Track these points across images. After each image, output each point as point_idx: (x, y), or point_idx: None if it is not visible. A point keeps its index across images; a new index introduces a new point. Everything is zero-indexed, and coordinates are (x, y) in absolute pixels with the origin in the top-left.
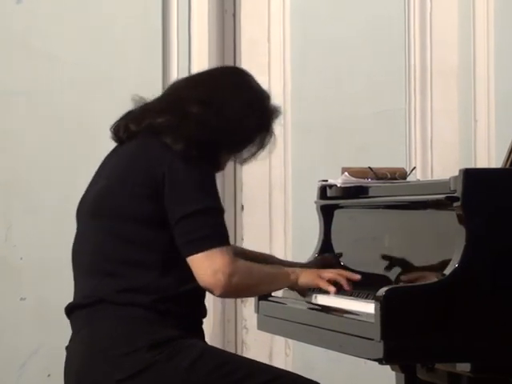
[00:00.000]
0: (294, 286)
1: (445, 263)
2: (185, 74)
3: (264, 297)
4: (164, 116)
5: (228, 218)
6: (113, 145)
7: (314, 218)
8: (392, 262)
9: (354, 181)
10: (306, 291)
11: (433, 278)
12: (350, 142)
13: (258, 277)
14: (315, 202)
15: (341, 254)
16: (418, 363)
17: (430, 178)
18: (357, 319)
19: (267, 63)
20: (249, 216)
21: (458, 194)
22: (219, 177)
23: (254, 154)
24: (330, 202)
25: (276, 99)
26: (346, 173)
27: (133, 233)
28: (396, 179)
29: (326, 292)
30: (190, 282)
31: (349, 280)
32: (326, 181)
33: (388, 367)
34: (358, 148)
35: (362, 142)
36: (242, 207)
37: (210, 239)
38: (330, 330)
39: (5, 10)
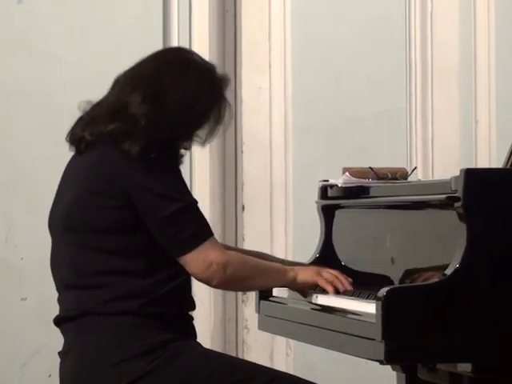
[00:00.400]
0: (294, 284)
1: (446, 263)
2: None
3: (265, 297)
4: (114, 123)
5: (229, 217)
6: None
7: (315, 218)
8: (393, 262)
9: (355, 181)
10: (306, 291)
11: (434, 278)
12: (350, 141)
13: (252, 268)
14: (316, 202)
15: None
16: (419, 363)
17: (430, 178)
18: (358, 319)
19: (268, 63)
20: (250, 216)
21: (459, 194)
22: (220, 176)
23: (213, 131)
24: (331, 202)
25: (277, 99)
26: (347, 173)
27: (106, 243)
28: (397, 179)
29: (327, 292)
30: (174, 280)
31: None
32: (327, 181)
33: (389, 367)
34: (358, 148)
35: (362, 141)
36: (243, 207)
37: (196, 236)
38: (331, 330)
39: (6, 9)
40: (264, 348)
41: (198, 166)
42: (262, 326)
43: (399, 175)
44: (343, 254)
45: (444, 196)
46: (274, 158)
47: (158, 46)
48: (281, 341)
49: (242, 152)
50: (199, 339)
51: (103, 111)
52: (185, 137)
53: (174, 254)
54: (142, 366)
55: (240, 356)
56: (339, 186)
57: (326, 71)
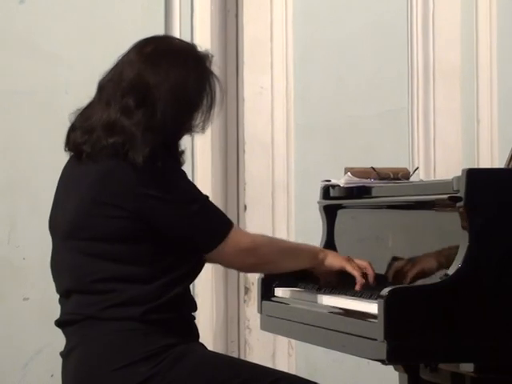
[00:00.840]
0: (320, 266)
1: (448, 263)
2: None
3: (267, 297)
4: (112, 137)
5: (231, 217)
6: None
7: (317, 218)
8: (395, 262)
9: (357, 181)
10: (328, 277)
11: (436, 279)
12: (352, 141)
13: (282, 249)
14: (318, 202)
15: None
16: (421, 363)
17: (432, 178)
18: (360, 319)
19: (270, 63)
20: (252, 216)
21: (461, 194)
22: (222, 176)
23: (209, 114)
24: (333, 202)
25: (278, 99)
26: (349, 173)
27: (111, 251)
28: (399, 179)
29: (329, 292)
30: (176, 286)
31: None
32: (329, 181)
33: (391, 367)
34: (360, 148)
35: (364, 142)
36: (245, 207)
37: (221, 228)
38: (333, 330)
39: (8, 9)
40: (266, 348)
41: (200, 166)
42: (264, 326)
43: (401, 175)
44: (345, 254)
45: (446, 196)
46: (275, 157)
47: None
48: (283, 341)
49: (243, 152)
50: (201, 339)
51: (98, 124)
52: (183, 131)
53: (204, 251)
54: (143, 371)
55: (242, 356)
56: (341, 186)
57: (328, 71)
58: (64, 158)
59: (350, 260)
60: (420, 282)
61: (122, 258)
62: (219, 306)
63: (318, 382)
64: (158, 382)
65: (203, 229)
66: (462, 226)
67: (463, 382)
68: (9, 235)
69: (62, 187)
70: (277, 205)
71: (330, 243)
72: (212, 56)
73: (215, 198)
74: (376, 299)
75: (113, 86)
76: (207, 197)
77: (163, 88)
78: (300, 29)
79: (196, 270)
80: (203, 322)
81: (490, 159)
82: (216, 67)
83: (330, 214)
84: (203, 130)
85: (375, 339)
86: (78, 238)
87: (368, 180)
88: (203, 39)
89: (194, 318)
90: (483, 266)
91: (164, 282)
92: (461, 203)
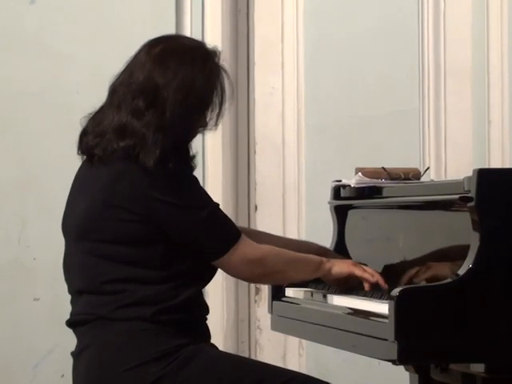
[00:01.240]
0: (328, 276)
1: (459, 263)
2: None
3: (277, 297)
4: (124, 140)
5: (242, 217)
6: None
7: (328, 218)
8: (406, 262)
9: (368, 181)
10: (340, 284)
11: (447, 279)
12: (363, 142)
13: (287, 260)
14: (329, 203)
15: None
16: (432, 363)
17: (443, 179)
18: (370, 319)
19: (281, 63)
20: (262, 216)
21: (472, 194)
22: (233, 177)
23: (221, 110)
24: (344, 202)
25: (289, 99)
26: (360, 173)
27: (122, 253)
28: (410, 179)
29: (339, 292)
30: (188, 288)
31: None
32: (340, 181)
33: (402, 368)
34: (371, 148)
35: (375, 142)
36: (256, 207)
37: (229, 237)
38: (344, 330)
39: (18, 10)
40: (277, 348)
41: (211, 167)
42: (275, 326)
43: (412, 175)
44: (356, 255)
45: (457, 196)
46: (286, 158)
47: None
48: (293, 341)
49: (254, 152)
50: (212, 340)
51: (109, 128)
52: (194, 130)
53: (211, 259)
54: (154, 372)
55: (253, 356)
56: (352, 186)
57: (339, 71)
58: (74, 158)
59: (356, 264)
60: (431, 282)
61: (133, 260)
62: (230, 306)
63: (329, 382)
64: (169, 382)
65: (210, 237)
66: (472, 227)
67: (474, 383)
68: (19, 235)
69: (75, 190)
70: (287, 205)
71: (340, 243)
72: (220, 52)
73: (226, 199)
74: (387, 299)
75: (123, 89)
76: (217, 205)
77: (171, 87)
78: (311, 29)
79: (209, 274)
80: (214, 322)
81: (501, 159)
82: (225, 62)
83: (340, 214)
84: (216, 126)
85: (386, 339)
86: (89, 240)
87: (379, 180)
88: (214, 39)
89: (206, 319)
90: (494, 266)
91: (176, 283)
92: (472, 203)
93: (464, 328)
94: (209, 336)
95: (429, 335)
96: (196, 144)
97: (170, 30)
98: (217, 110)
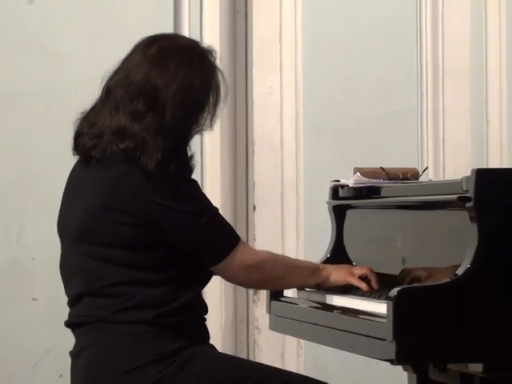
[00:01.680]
0: (325, 283)
1: (457, 263)
2: None
3: (276, 297)
4: (123, 142)
5: (240, 217)
6: None
7: (326, 218)
8: (404, 262)
9: (366, 181)
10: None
11: (445, 279)
12: (361, 142)
13: (285, 266)
14: (327, 203)
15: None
16: (430, 363)
17: (442, 179)
18: (369, 319)
19: (279, 63)
20: (260, 216)
21: (470, 194)
22: (231, 177)
23: (216, 110)
24: (342, 202)
25: (288, 99)
26: (358, 173)
27: (121, 256)
28: (408, 179)
29: (338, 292)
30: (188, 291)
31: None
32: (338, 181)
33: (400, 368)
34: (370, 148)
35: (373, 142)
36: (254, 207)
37: (227, 242)
38: (342, 330)
39: (17, 10)
40: (275, 348)
41: (210, 167)
42: (273, 326)
43: (410, 175)
44: (354, 255)
45: (455, 196)
46: (285, 158)
47: None
48: (292, 341)
49: (253, 152)
50: (210, 340)
51: (107, 130)
52: (193, 131)
53: (208, 264)
54: (152, 375)
55: (251, 356)
56: (350, 186)
57: (337, 71)
58: (73, 158)
59: (352, 273)
60: (429, 282)
61: (133, 263)
62: (228, 306)
63: (328, 383)
64: None
65: (209, 242)
66: (471, 226)
67: (472, 383)
68: (18, 235)
69: (70, 191)
70: (286, 205)
71: (338, 243)
72: (215, 51)
73: (224, 199)
74: (385, 299)
75: (120, 89)
76: (217, 209)
77: (171, 89)
78: (309, 29)
79: (208, 275)
80: (212, 323)
81: (499, 159)
82: (221, 62)
83: (339, 214)
84: (211, 126)
85: (384, 339)
86: (88, 243)
87: (377, 180)
88: (212, 39)
89: (205, 319)
90: (492, 266)
91: (176, 286)
92: (470, 203)
93: (462, 328)
94: (208, 337)
95: (427, 335)
96: (194, 144)
97: (169, 30)
98: (212, 110)
